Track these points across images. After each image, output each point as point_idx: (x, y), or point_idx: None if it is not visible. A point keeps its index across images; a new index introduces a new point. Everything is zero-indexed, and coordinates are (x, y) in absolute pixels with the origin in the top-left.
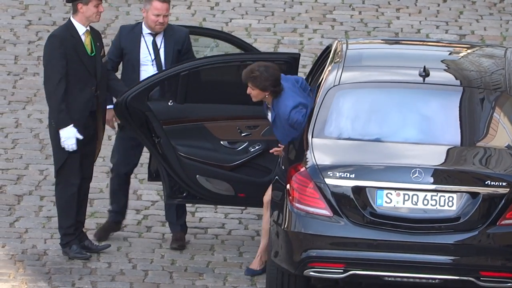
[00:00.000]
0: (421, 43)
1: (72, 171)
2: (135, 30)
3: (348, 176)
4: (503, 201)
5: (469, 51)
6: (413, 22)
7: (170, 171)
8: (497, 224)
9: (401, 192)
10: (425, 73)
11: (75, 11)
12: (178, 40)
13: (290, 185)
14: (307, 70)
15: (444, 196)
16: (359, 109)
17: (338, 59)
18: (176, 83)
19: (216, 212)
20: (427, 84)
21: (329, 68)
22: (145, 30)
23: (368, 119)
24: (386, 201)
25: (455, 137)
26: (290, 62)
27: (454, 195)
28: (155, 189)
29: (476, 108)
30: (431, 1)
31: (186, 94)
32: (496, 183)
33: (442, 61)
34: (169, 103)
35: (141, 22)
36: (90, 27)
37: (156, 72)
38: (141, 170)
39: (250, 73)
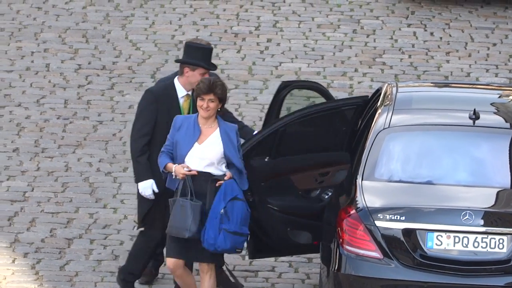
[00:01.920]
0: (471, 86)
1: (154, 223)
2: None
3: (398, 218)
4: None
5: None
6: (463, 66)
7: (261, 228)
8: None
9: (452, 235)
10: (475, 116)
11: (181, 73)
12: None
13: (340, 228)
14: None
15: (494, 239)
16: (409, 152)
17: (388, 102)
18: (274, 139)
19: None
20: (477, 127)
21: (379, 111)
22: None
23: (418, 161)
24: (436, 244)
25: (505, 180)
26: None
27: (505, 237)
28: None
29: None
30: (481, 45)
31: (279, 148)
32: None
33: (492, 104)
34: (265, 159)
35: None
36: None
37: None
38: None
39: (216, 81)
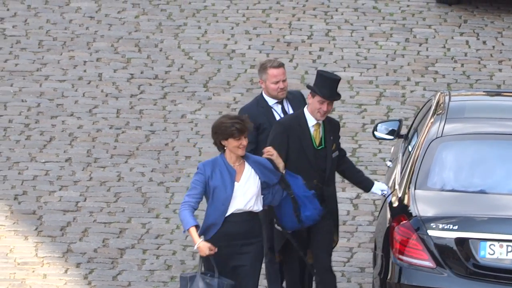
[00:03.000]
0: None
1: (291, 255)
2: (261, 104)
3: (451, 227)
4: None
5: None
6: None
7: None
8: None
9: (504, 244)
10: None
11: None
12: (300, 102)
13: (393, 237)
14: (409, 122)
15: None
16: (462, 161)
17: (440, 111)
18: None
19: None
20: None
21: (432, 120)
22: (271, 101)
23: (471, 170)
24: (489, 253)
25: None
26: None
27: None
28: None
29: None
30: None
31: None
32: None
33: None
34: None
35: (261, 95)
36: (329, 118)
37: None
38: None
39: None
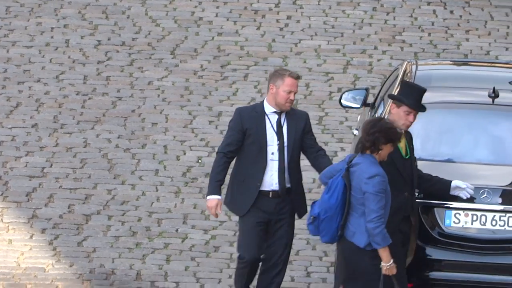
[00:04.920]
0: (490, 64)
1: None
2: (257, 110)
3: (417, 196)
4: None
5: None
6: (482, 44)
7: None
8: None
9: (470, 213)
10: (495, 94)
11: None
12: (299, 119)
13: None
14: (376, 91)
15: (504, 215)
16: (428, 130)
17: (407, 79)
18: None
19: None
20: (496, 105)
21: (399, 88)
22: (269, 109)
23: (437, 139)
24: (454, 221)
25: None
26: None
27: None
28: (223, 209)
29: None
30: (500, 23)
31: None
32: None
33: (511, 82)
34: None
35: (262, 101)
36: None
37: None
38: None
39: None
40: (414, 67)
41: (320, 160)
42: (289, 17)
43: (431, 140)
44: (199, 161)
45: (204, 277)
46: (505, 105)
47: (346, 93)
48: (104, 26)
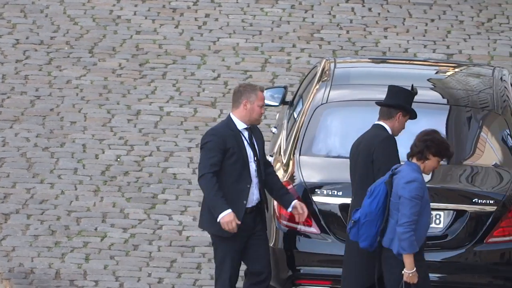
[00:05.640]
0: (408, 62)
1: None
2: (232, 128)
3: (335, 193)
4: (490, 219)
5: (456, 70)
6: (400, 42)
7: None
8: (484, 242)
9: None
10: (413, 92)
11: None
12: (260, 133)
13: (277, 203)
14: (295, 89)
15: (431, 214)
16: (346, 127)
17: (325, 78)
18: None
19: (203, 230)
20: (414, 103)
21: (317, 86)
22: (241, 125)
23: (356, 137)
24: None
25: None
26: None
27: (442, 213)
28: (142, 207)
29: (463, 127)
30: (418, 21)
31: None
32: (483, 201)
33: (429, 79)
34: None
35: (230, 118)
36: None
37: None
38: (128, 189)
39: None
40: (332, 64)
41: (269, 179)
42: (207, 15)
43: (349, 137)
44: (118, 159)
45: (124, 275)
46: (423, 102)
47: (264, 91)
48: (22, 25)
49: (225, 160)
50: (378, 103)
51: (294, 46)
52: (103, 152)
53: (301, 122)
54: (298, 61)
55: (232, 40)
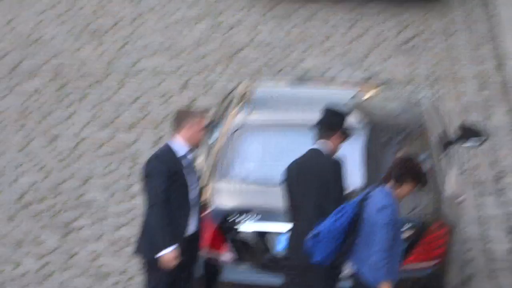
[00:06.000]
0: (328, 83)
1: None
2: (173, 153)
3: (250, 220)
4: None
5: (376, 91)
6: (320, 63)
7: None
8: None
9: None
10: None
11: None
12: (192, 157)
13: None
14: (214, 111)
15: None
16: (265, 151)
17: (244, 101)
18: None
19: (118, 257)
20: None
21: (236, 109)
22: (182, 150)
23: (274, 161)
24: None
25: (359, 178)
26: None
27: None
28: (57, 234)
29: (382, 149)
30: (339, 42)
31: None
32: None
33: (350, 101)
34: None
35: (171, 144)
36: None
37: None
38: (44, 216)
39: None
40: (252, 87)
41: None
42: (127, 37)
43: (267, 161)
44: (33, 186)
45: None
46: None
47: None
48: None
49: (171, 185)
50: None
51: (214, 68)
52: (19, 178)
53: (219, 145)
54: (217, 83)
55: (154, 60)
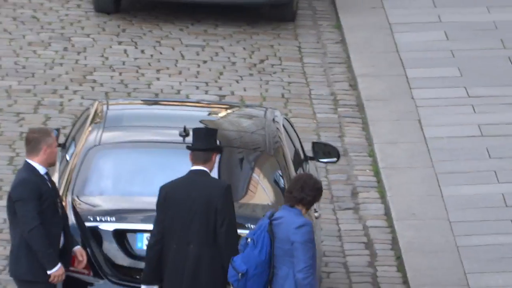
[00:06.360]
0: (181, 103)
1: None
2: (36, 174)
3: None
4: None
5: (229, 111)
6: (173, 83)
7: None
8: None
9: None
10: (185, 133)
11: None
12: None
13: None
14: (67, 131)
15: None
16: (119, 169)
17: (98, 120)
18: None
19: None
20: (186, 144)
21: (90, 128)
22: (43, 170)
23: (128, 178)
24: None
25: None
26: None
27: None
28: None
29: (235, 168)
30: (191, 62)
31: None
32: None
33: (201, 121)
34: None
35: (31, 165)
36: None
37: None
38: None
39: None
40: (105, 106)
41: None
42: None
43: (121, 179)
44: None
45: None
46: None
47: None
48: None
49: (41, 208)
50: (192, 148)
51: (66, 88)
52: None
53: (74, 164)
54: (70, 103)
55: (5, 83)
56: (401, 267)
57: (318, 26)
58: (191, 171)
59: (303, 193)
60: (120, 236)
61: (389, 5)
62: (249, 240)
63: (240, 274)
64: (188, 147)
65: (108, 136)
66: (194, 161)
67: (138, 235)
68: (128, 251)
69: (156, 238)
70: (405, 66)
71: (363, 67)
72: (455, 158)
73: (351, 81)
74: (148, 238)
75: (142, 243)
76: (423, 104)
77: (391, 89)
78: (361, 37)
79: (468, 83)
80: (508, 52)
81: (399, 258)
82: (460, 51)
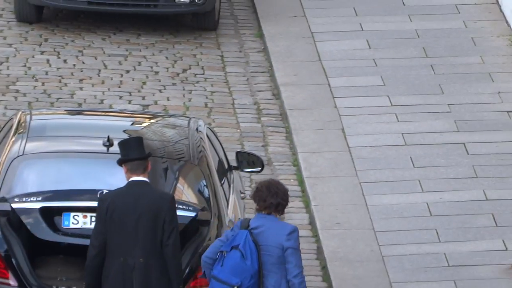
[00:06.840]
0: (105, 113)
1: None
2: None
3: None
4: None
5: (152, 121)
6: (96, 93)
7: None
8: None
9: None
10: (109, 143)
11: None
12: None
13: None
14: None
15: None
16: (43, 179)
17: (22, 130)
18: None
19: None
20: (111, 154)
21: (13, 139)
22: None
23: (53, 189)
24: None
25: None
26: None
27: None
28: None
29: (159, 178)
30: (114, 72)
31: None
32: None
33: (125, 131)
34: None
35: None
36: None
37: None
38: None
39: None
40: (28, 117)
41: None
42: None
43: (46, 189)
44: None
45: None
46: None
47: None
48: None
49: None
50: (128, 159)
51: None
52: None
53: None
54: None
55: None
56: (326, 277)
57: (240, 35)
58: (133, 182)
59: (279, 198)
60: (47, 213)
61: (310, 14)
62: (224, 253)
63: (235, 287)
64: (123, 160)
65: (32, 146)
66: (133, 172)
67: (65, 214)
68: (54, 227)
69: (98, 250)
70: (328, 75)
71: (285, 76)
72: (379, 167)
73: (274, 90)
74: (76, 217)
75: (69, 222)
76: (346, 113)
77: (314, 98)
78: (283, 46)
79: (391, 91)
80: (430, 61)
81: (324, 268)
82: (382, 60)
